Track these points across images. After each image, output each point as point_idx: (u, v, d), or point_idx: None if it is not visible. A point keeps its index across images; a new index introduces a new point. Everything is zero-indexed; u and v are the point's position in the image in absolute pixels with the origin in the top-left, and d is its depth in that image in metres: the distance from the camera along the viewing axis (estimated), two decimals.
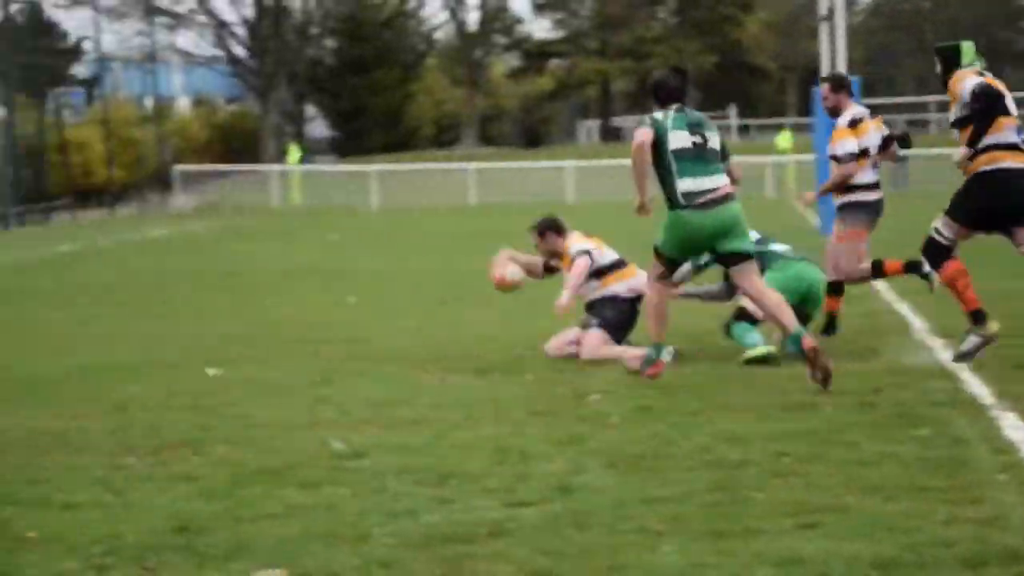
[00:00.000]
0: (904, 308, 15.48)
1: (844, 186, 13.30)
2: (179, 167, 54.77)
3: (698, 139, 11.34)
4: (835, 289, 13.41)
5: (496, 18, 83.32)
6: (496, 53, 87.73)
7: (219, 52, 72.38)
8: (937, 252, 11.82)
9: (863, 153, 13.31)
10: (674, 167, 11.19)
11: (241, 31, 72.87)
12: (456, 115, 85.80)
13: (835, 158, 13.33)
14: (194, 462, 8.90)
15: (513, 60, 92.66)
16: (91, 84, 71.97)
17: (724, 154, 11.78)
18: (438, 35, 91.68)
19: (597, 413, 10.08)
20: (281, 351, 13.76)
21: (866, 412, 9.81)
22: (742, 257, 11.22)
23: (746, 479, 8.04)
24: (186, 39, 73.92)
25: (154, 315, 16.60)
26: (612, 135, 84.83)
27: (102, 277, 23.43)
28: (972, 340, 11.60)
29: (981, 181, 11.66)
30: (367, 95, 79.12)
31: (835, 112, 13.55)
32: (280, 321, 14.89)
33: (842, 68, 27.03)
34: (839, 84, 13.58)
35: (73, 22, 75.23)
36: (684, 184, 11.19)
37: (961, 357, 11.63)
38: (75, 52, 78.97)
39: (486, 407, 10.41)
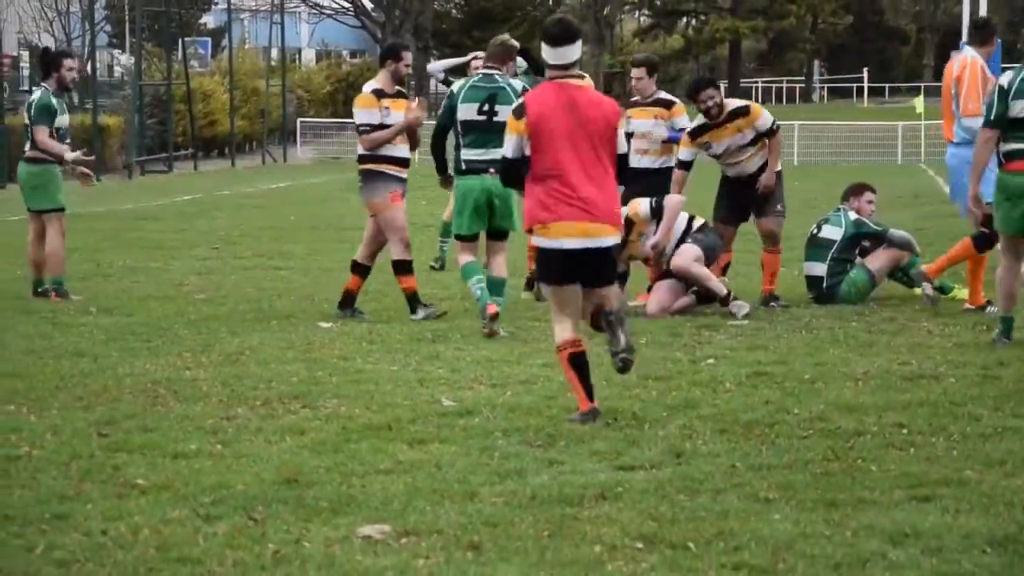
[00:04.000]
0: None
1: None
2: (301, 119, 55.00)
3: None
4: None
5: None
6: (626, 10, 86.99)
7: (346, 4, 72.53)
8: None
9: None
10: None
11: None
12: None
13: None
14: (304, 415, 8.92)
15: (643, 17, 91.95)
16: (218, 34, 72.59)
17: None
18: None
19: (711, 378, 9.95)
20: (394, 306, 13.74)
21: (989, 384, 9.60)
22: None
23: (861, 449, 7.91)
24: None
25: (270, 267, 16.64)
26: (740, 96, 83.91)
27: (220, 228, 23.57)
28: None
29: None
30: None
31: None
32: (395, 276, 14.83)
33: None
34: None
35: None
36: None
37: None
38: (205, 2, 79.64)
39: (599, 369, 10.29)
